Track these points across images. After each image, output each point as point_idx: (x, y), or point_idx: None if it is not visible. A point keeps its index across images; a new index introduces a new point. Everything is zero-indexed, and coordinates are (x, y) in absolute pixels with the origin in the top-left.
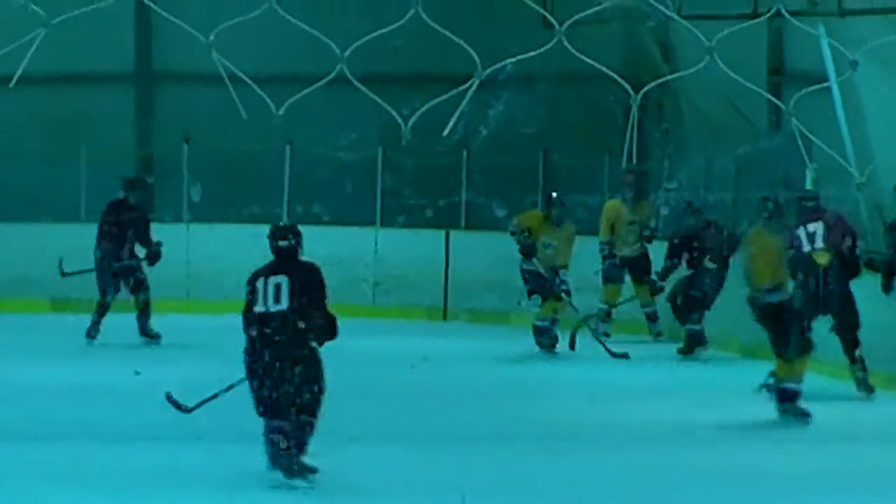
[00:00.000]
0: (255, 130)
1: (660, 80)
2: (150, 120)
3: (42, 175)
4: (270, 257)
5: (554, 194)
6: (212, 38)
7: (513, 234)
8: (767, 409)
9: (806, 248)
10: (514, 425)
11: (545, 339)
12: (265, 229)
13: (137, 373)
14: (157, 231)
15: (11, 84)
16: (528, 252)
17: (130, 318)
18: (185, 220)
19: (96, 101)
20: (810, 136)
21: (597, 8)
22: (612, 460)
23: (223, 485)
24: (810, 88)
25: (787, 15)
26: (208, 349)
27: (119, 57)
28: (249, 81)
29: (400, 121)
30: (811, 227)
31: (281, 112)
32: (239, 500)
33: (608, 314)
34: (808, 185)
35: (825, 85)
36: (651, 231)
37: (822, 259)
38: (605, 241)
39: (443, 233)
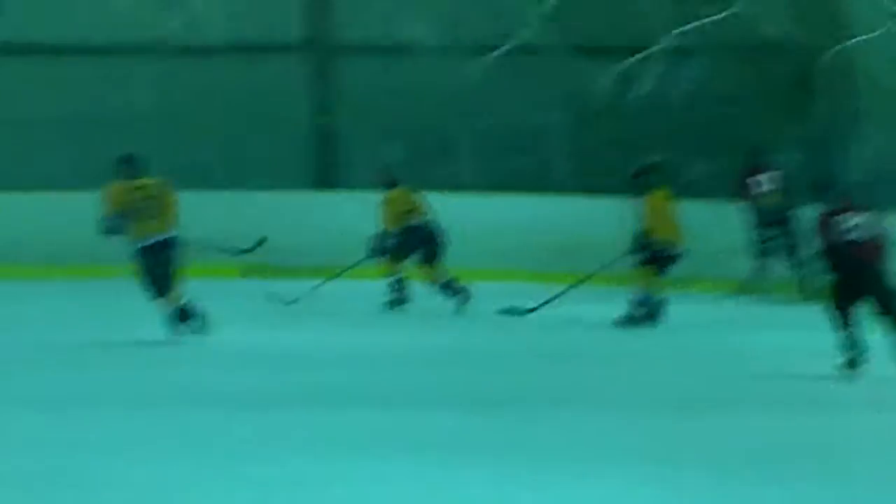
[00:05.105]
0: (432, 100)
1: (846, 44)
2: (327, 91)
3: (220, 145)
4: (455, 225)
5: None
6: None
7: None
8: None
9: None
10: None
11: None
12: (448, 198)
13: None
14: (338, 200)
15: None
16: None
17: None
18: (362, 189)
19: (272, 72)
20: None
21: None
22: None
23: (417, 449)
24: None
25: None
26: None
27: (295, 28)
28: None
29: (595, 83)
30: None
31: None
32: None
33: None
34: None
35: None
36: None
37: None
38: None
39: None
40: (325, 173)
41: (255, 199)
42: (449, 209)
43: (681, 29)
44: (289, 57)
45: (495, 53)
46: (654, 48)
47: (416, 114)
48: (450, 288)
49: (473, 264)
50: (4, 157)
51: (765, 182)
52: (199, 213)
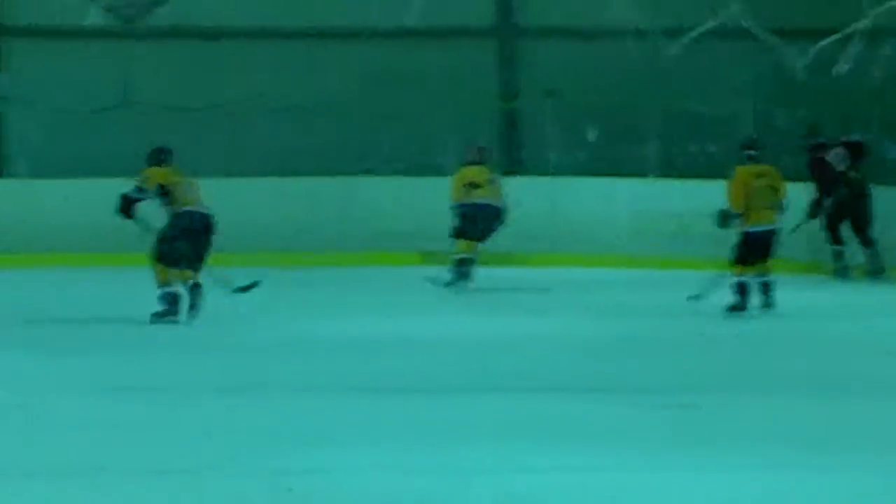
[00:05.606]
0: (617, 84)
1: None
2: (514, 74)
3: (406, 130)
4: (641, 213)
5: None
6: None
7: None
8: None
9: None
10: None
11: None
12: (630, 183)
13: None
14: (522, 184)
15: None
16: None
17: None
18: (550, 173)
19: (459, 56)
20: None
21: None
22: None
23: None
24: None
25: None
26: (577, 303)
27: (481, 12)
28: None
29: (793, 63)
30: None
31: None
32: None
33: None
34: None
35: None
36: None
37: None
38: None
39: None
40: (513, 158)
41: (441, 185)
42: (633, 195)
43: (877, 10)
44: (479, 41)
45: (689, 36)
46: (850, 29)
47: (606, 98)
48: (464, 267)
49: (655, 252)
50: (215, 144)
51: (835, 161)
52: (386, 198)
